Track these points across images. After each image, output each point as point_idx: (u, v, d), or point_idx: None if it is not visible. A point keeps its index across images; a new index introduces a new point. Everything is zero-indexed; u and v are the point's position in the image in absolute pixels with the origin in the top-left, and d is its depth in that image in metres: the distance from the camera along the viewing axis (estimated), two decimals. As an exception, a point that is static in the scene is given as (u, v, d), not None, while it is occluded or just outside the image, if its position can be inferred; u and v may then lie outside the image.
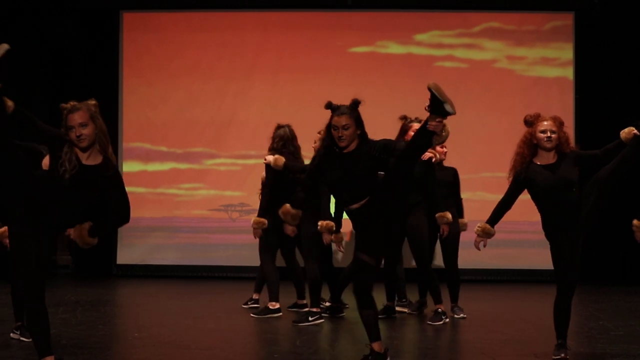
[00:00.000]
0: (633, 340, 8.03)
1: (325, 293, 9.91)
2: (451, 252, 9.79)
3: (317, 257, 9.41)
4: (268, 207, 9.55)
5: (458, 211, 10.07)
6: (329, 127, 6.59)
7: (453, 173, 10.17)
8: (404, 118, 9.39)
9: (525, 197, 13.46)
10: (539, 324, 9.23)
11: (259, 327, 8.99)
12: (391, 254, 9.52)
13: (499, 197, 13.95)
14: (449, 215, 9.46)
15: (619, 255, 13.63)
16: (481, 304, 10.75)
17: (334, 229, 9.18)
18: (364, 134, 6.58)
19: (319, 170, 6.69)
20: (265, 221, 9.61)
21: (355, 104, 6.62)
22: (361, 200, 6.40)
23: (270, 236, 9.79)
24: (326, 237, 9.13)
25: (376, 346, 6.56)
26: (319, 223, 9.06)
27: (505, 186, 14.19)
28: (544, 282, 13.69)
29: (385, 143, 6.46)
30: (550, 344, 7.15)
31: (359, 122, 6.58)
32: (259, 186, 10.51)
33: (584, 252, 13.83)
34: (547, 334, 7.61)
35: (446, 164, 10.15)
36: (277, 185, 9.50)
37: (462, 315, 9.66)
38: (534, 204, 13.32)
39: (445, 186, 9.84)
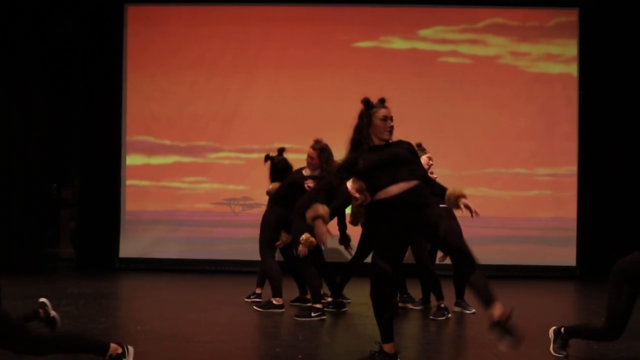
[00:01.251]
0: (636, 337, 8.03)
1: (325, 288, 9.91)
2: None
3: (310, 255, 9.43)
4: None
5: None
6: (369, 122, 6.67)
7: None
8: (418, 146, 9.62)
9: (528, 193, 13.44)
10: (541, 321, 9.23)
11: (261, 321, 9.00)
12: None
13: (501, 193, 14.09)
14: None
15: (620, 250, 13.58)
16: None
17: (315, 245, 9.29)
18: None
19: (355, 164, 6.57)
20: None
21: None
22: (407, 180, 6.35)
23: (271, 232, 9.84)
24: (302, 249, 9.28)
25: (387, 347, 6.58)
26: (302, 237, 9.24)
27: (508, 183, 14.25)
28: (546, 278, 13.72)
29: (412, 149, 6.70)
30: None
31: None
32: (263, 183, 10.58)
33: (587, 248, 13.91)
34: (547, 331, 7.60)
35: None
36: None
37: (473, 310, 9.69)
38: (537, 201, 13.36)
39: None
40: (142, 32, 14.54)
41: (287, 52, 14.34)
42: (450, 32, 14.30)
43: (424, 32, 14.30)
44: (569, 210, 14.07)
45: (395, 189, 6.33)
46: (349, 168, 6.60)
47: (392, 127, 6.62)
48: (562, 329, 7.15)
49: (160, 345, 7.45)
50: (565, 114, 14.17)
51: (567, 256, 13.96)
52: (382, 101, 6.76)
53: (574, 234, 14.00)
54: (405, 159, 6.47)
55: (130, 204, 14.45)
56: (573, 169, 14.11)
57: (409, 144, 6.68)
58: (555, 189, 14.06)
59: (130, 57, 14.52)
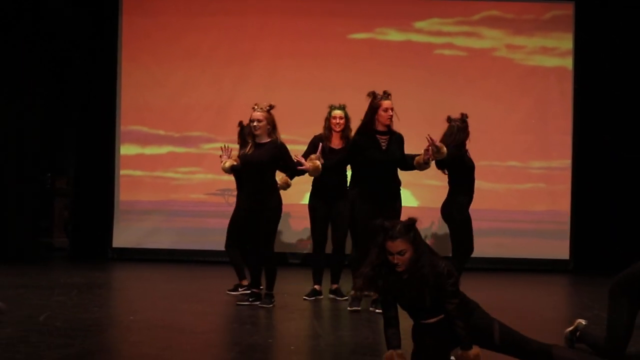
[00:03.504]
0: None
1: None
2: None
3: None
4: None
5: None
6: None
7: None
8: (449, 120, 9.72)
9: (522, 186, 13.45)
10: (534, 314, 9.26)
11: (254, 312, 8.99)
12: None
13: (495, 186, 14.14)
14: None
15: (613, 244, 13.63)
16: (476, 293, 10.74)
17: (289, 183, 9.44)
18: None
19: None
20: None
21: None
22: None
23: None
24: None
25: None
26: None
27: (502, 176, 14.26)
28: (539, 271, 13.74)
29: None
30: (545, 334, 7.16)
31: None
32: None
33: (580, 241, 13.91)
34: (540, 324, 7.63)
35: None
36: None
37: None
38: (530, 194, 13.37)
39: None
40: (137, 23, 14.50)
41: (282, 44, 14.33)
42: (446, 25, 14.29)
43: (419, 24, 14.29)
44: (563, 204, 14.09)
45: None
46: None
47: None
48: (578, 333, 6.96)
49: (153, 336, 7.45)
50: (559, 107, 14.18)
51: (560, 249, 13.98)
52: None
53: (567, 227, 14.01)
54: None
55: (124, 194, 14.44)
56: (567, 162, 14.12)
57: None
58: (549, 182, 14.08)
59: (125, 48, 14.48)
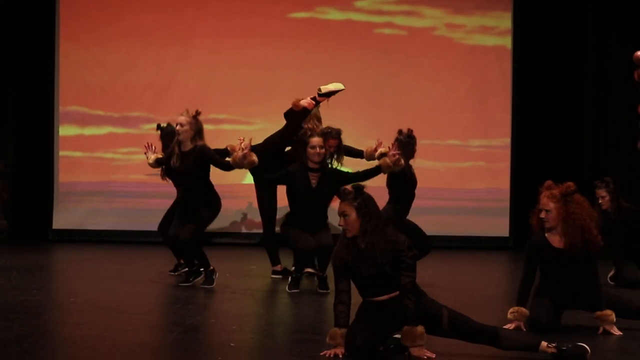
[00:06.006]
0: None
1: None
2: None
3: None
4: None
5: None
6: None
7: None
8: (399, 133, 9.40)
9: (462, 165, 13.56)
10: (474, 291, 9.36)
11: (196, 293, 8.98)
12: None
13: (435, 164, 14.17)
14: None
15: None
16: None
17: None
18: None
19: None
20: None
21: None
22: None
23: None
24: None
25: None
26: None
27: (442, 154, 14.36)
28: (480, 248, 13.87)
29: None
30: (485, 312, 7.25)
31: None
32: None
33: (520, 219, 14.04)
34: (481, 302, 7.69)
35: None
36: None
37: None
38: (470, 172, 13.44)
39: None
40: (75, 1, 14.35)
41: (223, 23, 14.25)
42: (386, 4, 14.30)
43: (359, 4, 14.30)
44: (503, 182, 14.22)
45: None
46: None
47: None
48: None
49: (94, 317, 7.42)
50: (499, 86, 14.29)
51: (500, 227, 14.11)
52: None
53: (507, 204, 14.15)
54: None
55: (64, 175, 14.31)
56: (506, 140, 14.24)
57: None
58: (488, 160, 14.18)
59: (62, 27, 14.30)
